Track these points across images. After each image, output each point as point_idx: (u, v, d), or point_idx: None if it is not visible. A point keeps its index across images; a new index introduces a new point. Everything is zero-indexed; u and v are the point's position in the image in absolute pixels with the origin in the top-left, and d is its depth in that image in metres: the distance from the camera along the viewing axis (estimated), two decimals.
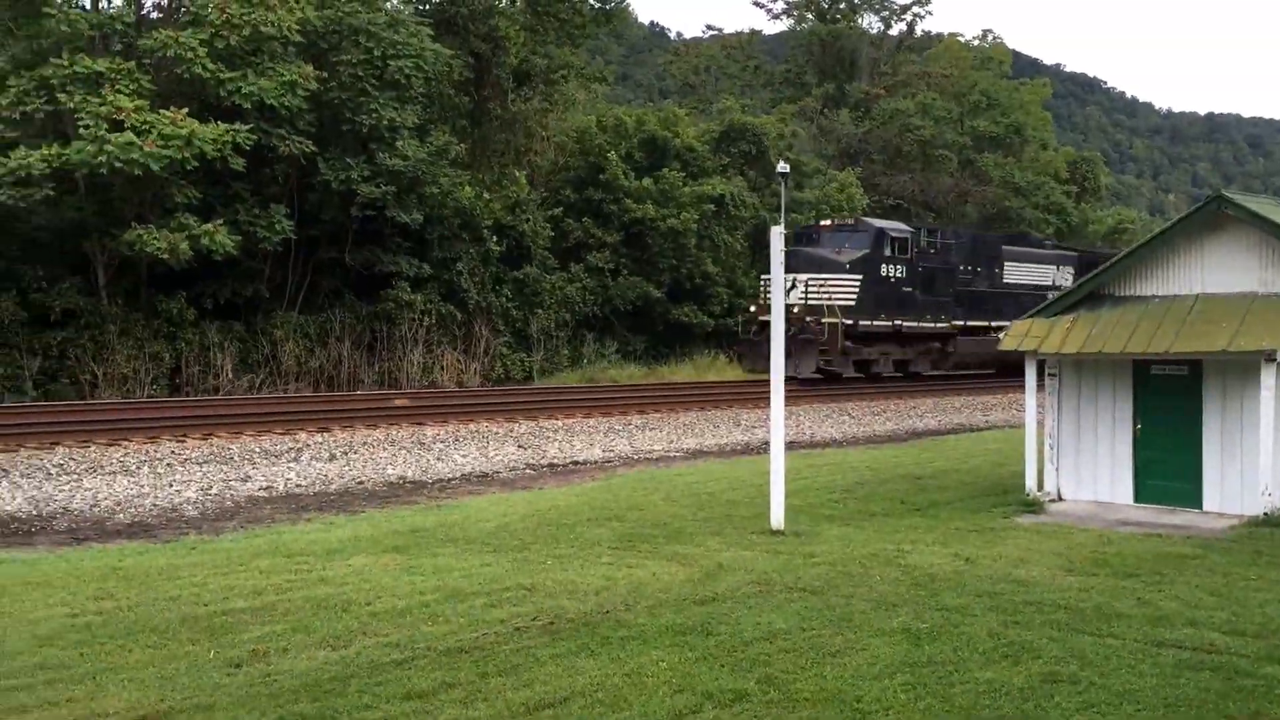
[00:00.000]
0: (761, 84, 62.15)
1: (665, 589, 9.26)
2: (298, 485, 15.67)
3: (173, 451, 17.19)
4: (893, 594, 9.09)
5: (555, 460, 18.73)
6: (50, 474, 15.21)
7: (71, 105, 23.91)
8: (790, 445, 14.57)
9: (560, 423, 22.75)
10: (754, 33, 65.78)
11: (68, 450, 16.69)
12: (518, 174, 36.52)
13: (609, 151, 38.54)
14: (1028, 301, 31.43)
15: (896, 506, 13.66)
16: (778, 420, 12.25)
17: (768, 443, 14.01)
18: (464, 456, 18.47)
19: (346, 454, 17.98)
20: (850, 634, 7.94)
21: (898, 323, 32.50)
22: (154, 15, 28.26)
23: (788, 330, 26.85)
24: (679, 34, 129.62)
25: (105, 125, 23.69)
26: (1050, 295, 31.66)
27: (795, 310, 28.25)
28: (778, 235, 12.39)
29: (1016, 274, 36.74)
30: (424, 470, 17.26)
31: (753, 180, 43.08)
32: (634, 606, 8.68)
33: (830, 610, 8.55)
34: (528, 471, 17.66)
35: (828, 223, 33.63)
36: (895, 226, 33.64)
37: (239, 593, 9.12)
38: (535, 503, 14.08)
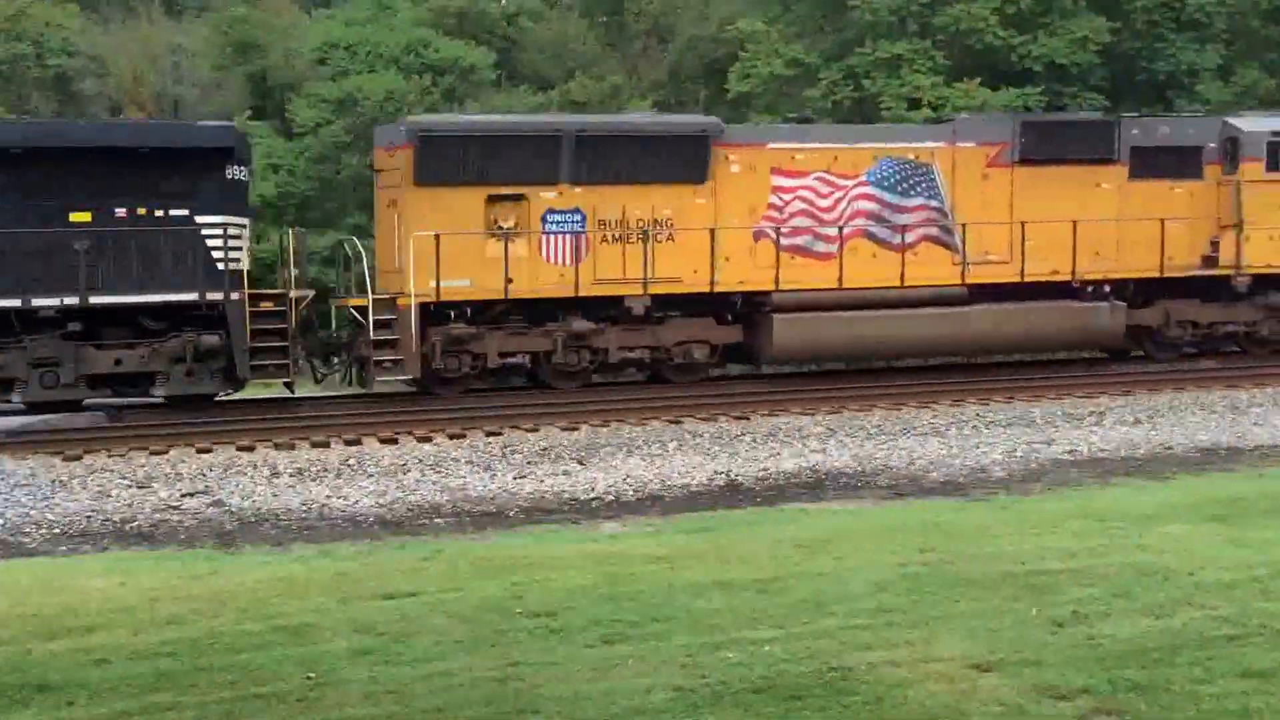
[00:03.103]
0: None
1: None
2: (1101, 449, 15.45)
3: (977, 414, 17.77)
4: None
5: None
6: (870, 434, 16.52)
7: (874, 89, 25.67)
8: None
9: None
10: None
11: (884, 412, 17.98)
12: None
13: None
14: None
15: None
16: None
17: None
18: None
19: (1152, 418, 17.33)
20: None
21: None
22: None
23: None
24: None
25: (904, 104, 25.11)
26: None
27: None
28: None
29: None
30: (1240, 436, 16.09)
31: None
32: None
33: None
34: None
35: None
36: None
37: (1052, 554, 9.26)
38: None
